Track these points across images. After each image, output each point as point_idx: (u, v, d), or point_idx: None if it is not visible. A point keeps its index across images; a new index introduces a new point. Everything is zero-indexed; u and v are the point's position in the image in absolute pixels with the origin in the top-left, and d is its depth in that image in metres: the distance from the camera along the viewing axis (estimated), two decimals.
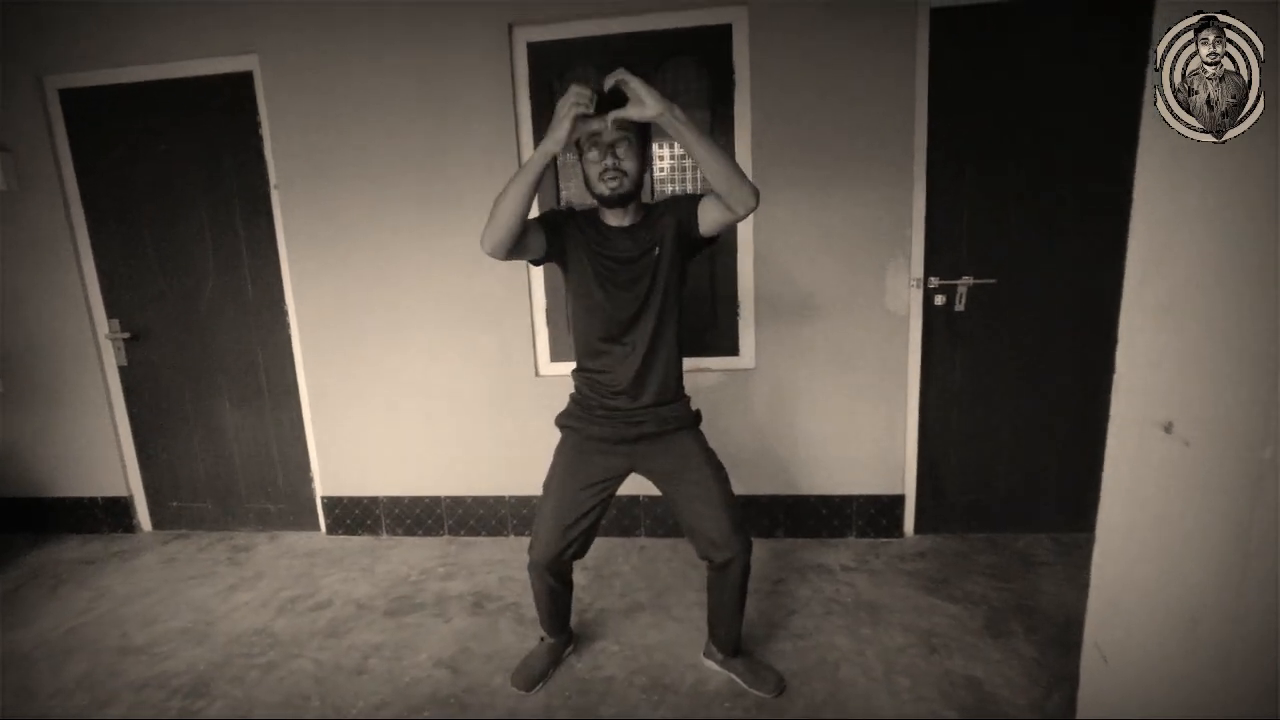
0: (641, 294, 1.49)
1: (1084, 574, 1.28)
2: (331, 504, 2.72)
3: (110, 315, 2.71)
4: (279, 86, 2.43)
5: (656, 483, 1.64)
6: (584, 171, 1.45)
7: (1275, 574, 0.90)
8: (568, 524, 1.61)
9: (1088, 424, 1.69)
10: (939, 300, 2.29)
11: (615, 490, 1.66)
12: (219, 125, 2.52)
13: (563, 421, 1.67)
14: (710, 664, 1.78)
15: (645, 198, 1.75)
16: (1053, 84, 2.14)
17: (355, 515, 2.72)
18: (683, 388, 1.63)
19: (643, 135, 1.44)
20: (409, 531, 2.69)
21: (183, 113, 2.52)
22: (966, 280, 2.26)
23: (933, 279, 2.28)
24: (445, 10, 2.30)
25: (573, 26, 2.30)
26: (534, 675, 1.75)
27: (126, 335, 2.71)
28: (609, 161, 1.39)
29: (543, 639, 1.83)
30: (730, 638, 1.71)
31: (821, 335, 2.34)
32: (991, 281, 2.26)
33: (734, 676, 1.73)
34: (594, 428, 1.60)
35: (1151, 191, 1.07)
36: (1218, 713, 0.99)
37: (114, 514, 2.85)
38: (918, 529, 2.46)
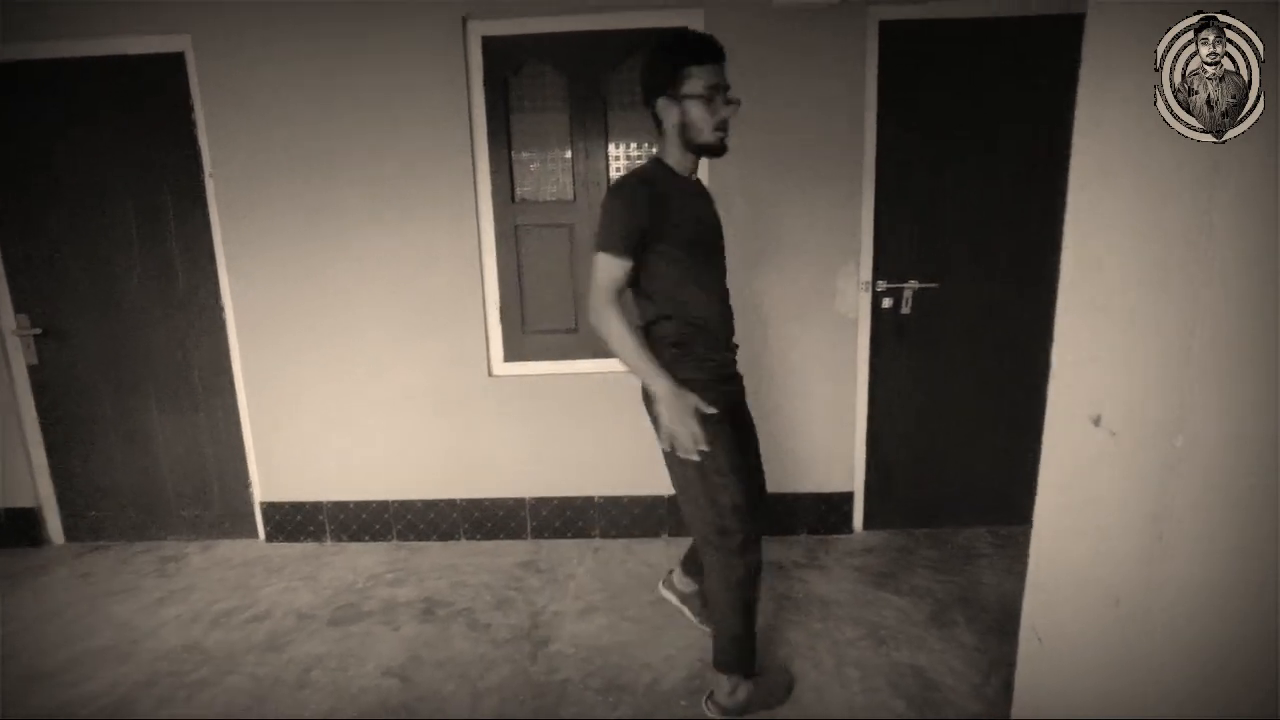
0: (719, 241, 1.57)
1: (1020, 564, 1.35)
2: (271, 510, 2.59)
3: (18, 309, 2.50)
4: (214, 70, 2.29)
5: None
6: (690, 119, 1.40)
7: (1189, 551, 0.97)
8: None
9: (1024, 421, 1.78)
10: (886, 303, 2.37)
11: None
12: (147, 108, 2.36)
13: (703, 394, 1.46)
14: (668, 594, 1.92)
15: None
16: (996, 97, 2.24)
17: (297, 521, 2.59)
18: None
19: None
20: (355, 537, 2.59)
21: (106, 93, 2.35)
22: (912, 284, 2.35)
23: (880, 283, 2.36)
24: (396, 1, 2.23)
25: (529, 22, 2.27)
26: None
27: (37, 331, 2.50)
28: (726, 113, 1.41)
29: (735, 692, 1.58)
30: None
31: (774, 337, 2.38)
32: (935, 285, 2.35)
33: (686, 610, 1.90)
34: (721, 394, 1.49)
35: (1082, 199, 1.14)
36: (1139, 685, 1.05)
37: (20, 526, 2.62)
38: (866, 525, 2.53)
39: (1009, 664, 1.43)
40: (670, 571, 1.96)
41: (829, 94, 2.22)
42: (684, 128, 1.42)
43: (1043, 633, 1.29)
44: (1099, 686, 1.13)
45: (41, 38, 2.30)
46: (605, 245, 1.38)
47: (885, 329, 2.40)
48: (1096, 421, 1.10)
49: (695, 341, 1.49)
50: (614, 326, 1.38)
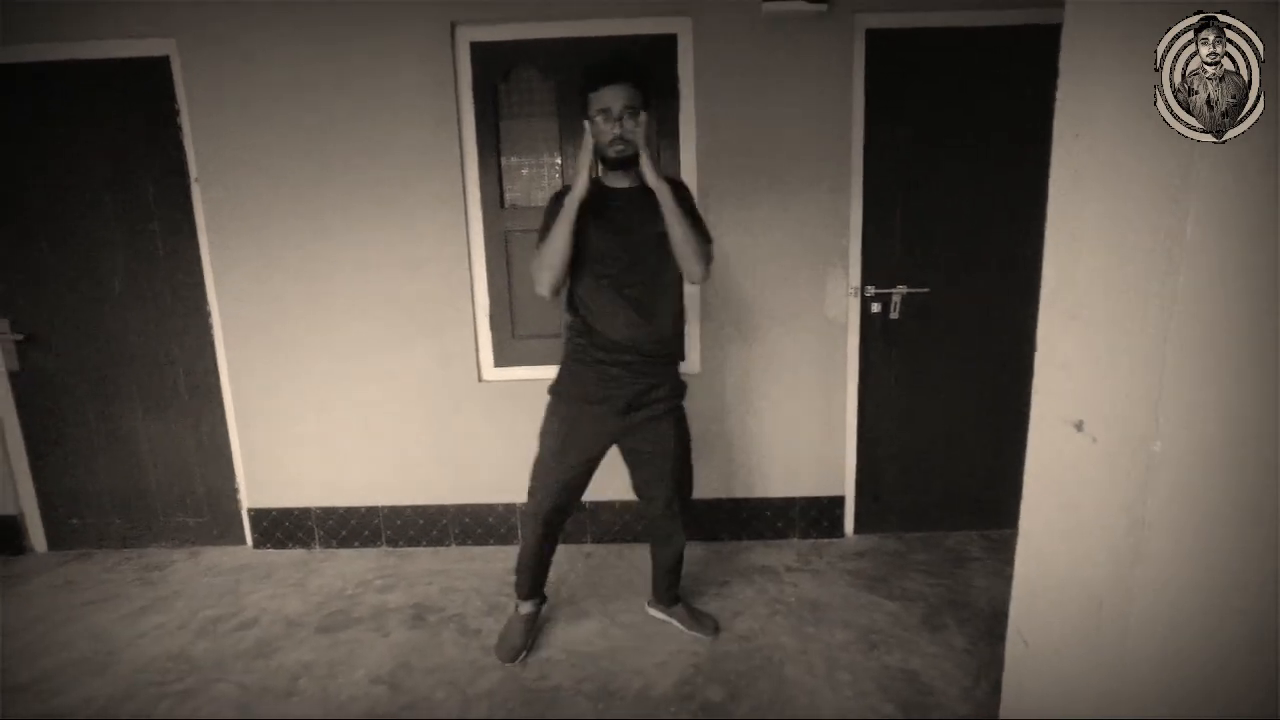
0: (639, 249, 1.64)
1: (1010, 568, 1.35)
2: (259, 516, 2.56)
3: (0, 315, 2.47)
4: (199, 73, 2.28)
5: (633, 451, 1.79)
6: (595, 138, 1.59)
7: (1166, 556, 0.98)
8: (567, 485, 1.77)
9: (1012, 425, 1.79)
10: (875, 308, 2.39)
11: (603, 457, 1.79)
12: (131, 112, 2.34)
13: (558, 389, 1.77)
14: (655, 612, 2.03)
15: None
16: (982, 104, 2.27)
17: (285, 527, 2.57)
18: (679, 352, 1.78)
19: (645, 107, 1.59)
20: (344, 543, 2.57)
21: (90, 96, 2.33)
22: (901, 289, 2.37)
23: (869, 288, 2.38)
24: (384, 4, 2.23)
25: (518, 28, 2.28)
26: (516, 647, 1.84)
27: (19, 337, 2.47)
28: (616, 131, 1.56)
29: (517, 608, 1.91)
30: (671, 593, 1.98)
31: (764, 342, 2.39)
32: (924, 290, 2.37)
33: (675, 621, 1.97)
34: (595, 392, 1.69)
35: (1061, 208, 1.16)
36: (1123, 686, 1.06)
37: (1, 535, 2.58)
38: (857, 529, 2.54)
39: (999, 667, 1.43)
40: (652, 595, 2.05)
41: (817, 100, 2.24)
42: (595, 145, 1.60)
43: (1029, 636, 1.29)
44: (1085, 688, 1.14)
45: (21, 41, 2.28)
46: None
47: (874, 334, 2.41)
48: (1079, 427, 1.12)
49: (589, 342, 1.68)
50: (535, 260, 1.63)
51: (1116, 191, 1.03)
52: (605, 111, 1.55)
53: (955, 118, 2.28)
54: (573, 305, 1.70)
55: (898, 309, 2.38)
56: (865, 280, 2.38)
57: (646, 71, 1.59)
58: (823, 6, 2.12)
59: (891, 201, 2.34)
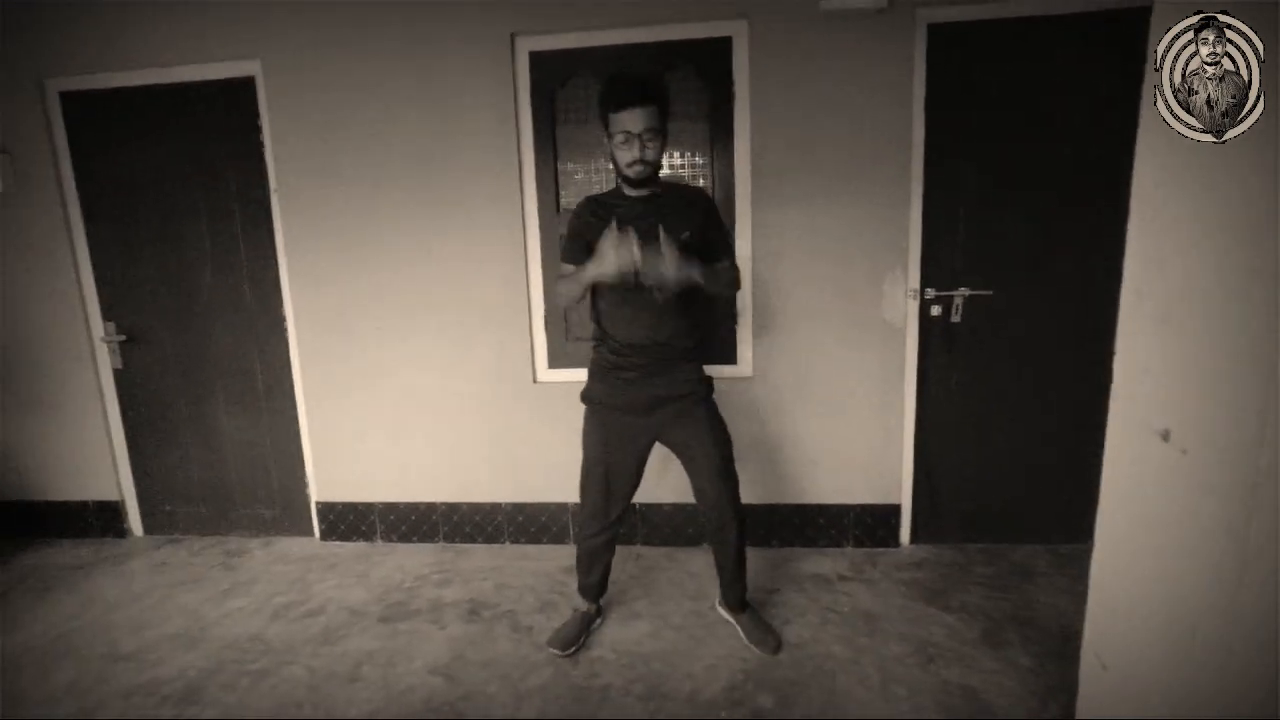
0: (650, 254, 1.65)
1: (1081, 584, 1.28)
2: (326, 509, 2.71)
3: (106, 318, 2.70)
4: (281, 92, 2.43)
5: (672, 450, 1.86)
6: (614, 154, 1.68)
7: (1273, 578, 0.91)
8: (613, 489, 1.85)
9: (1084, 435, 1.70)
10: (935, 311, 2.31)
11: (648, 455, 1.86)
12: (219, 129, 2.52)
13: (587, 395, 1.84)
14: (723, 612, 2.01)
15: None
16: (1049, 98, 2.16)
17: (350, 521, 2.70)
18: (697, 353, 1.83)
19: (664, 126, 1.66)
20: (404, 538, 2.68)
21: (183, 116, 2.53)
22: (963, 291, 2.28)
23: (929, 290, 2.30)
24: (448, 19, 2.32)
25: (574, 37, 2.33)
26: (569, 639, 1.91)
27: (122, 338, 2.69)
28: (636, 153, 1.64)
29: (575, 609, 2.00)
30: (736, 596, 1.94)
31: (819, 345, 2.35)
32: (988, 293, 2.27)
33: (739, 628, 1.93)
34: (617, 396, 1.77)
35: (1148, 202, 1.09)
36: (1216, 716, 0.99)
37: (105, 518, 2.82)
38: (914, 539, 2.46)
39: (1068, 689, 1.36)
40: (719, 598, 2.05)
41: (876, 98, 2.19)
42: (613, 160, 1.69)
43: (1106, 658, 1.22)
44: (1172, 715, 1.06)
45: (124, 67, 2.49)
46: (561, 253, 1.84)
47: (934, 337, 2.33)
48: (1165, 437, 1.05)
49: (604, 343, 1.79)
50: (557, 286, 1.81)
51: (1214, 179, 0.95)
52: (626, 134, 1.62)
53: (1022, 110, 2.18)
54: (594, 313, 1.80)
55: (959, 312, 2.29)
56: (925, 282, 2.30)
57: (665, 93, 1.66)
58: (883, 2, 2.07)
59: (953, 201, 2.26)
